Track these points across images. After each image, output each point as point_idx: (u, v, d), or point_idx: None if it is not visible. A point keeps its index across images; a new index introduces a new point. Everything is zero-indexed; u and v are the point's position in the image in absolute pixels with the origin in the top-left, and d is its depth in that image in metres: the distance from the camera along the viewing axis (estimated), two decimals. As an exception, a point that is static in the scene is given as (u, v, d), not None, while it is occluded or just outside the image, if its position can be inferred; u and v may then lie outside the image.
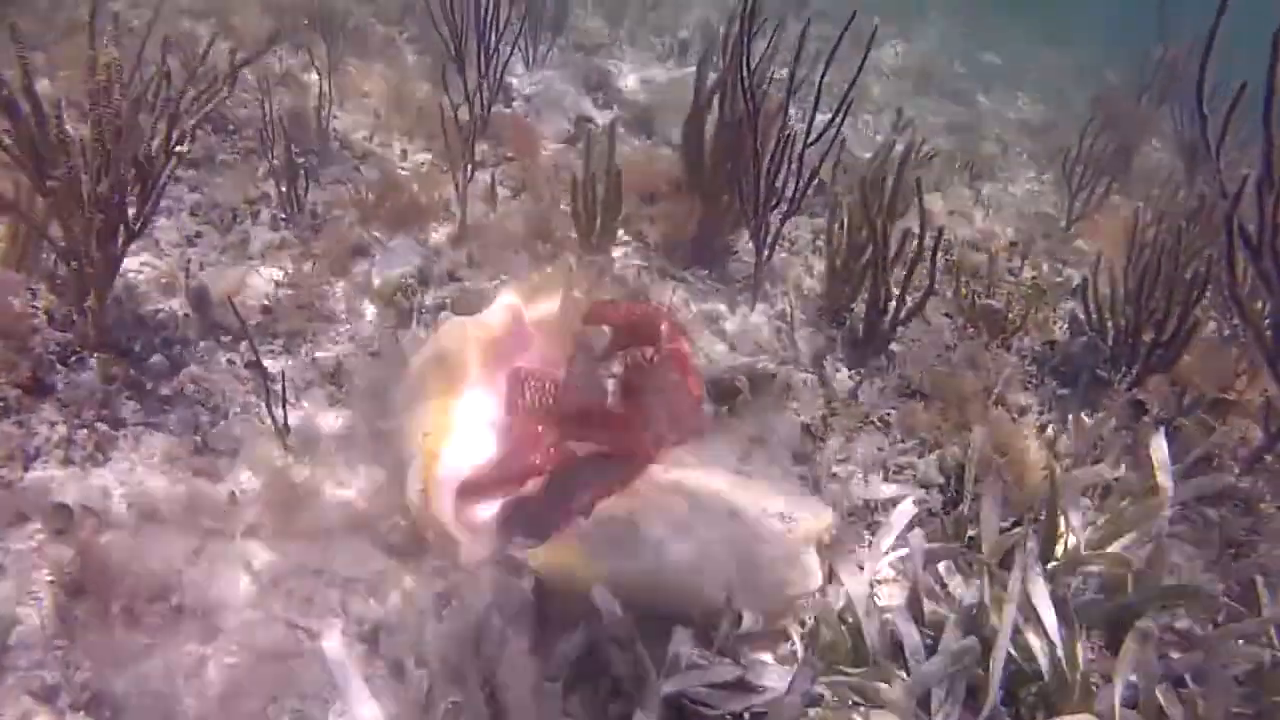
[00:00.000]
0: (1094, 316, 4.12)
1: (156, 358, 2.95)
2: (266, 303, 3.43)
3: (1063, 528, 2.71)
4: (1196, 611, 2.59)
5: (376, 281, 3.65)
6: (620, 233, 4.31)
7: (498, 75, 5.10)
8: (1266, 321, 3.02)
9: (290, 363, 3.20)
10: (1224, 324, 4.43)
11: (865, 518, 2.93)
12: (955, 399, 3.46)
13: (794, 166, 3.83)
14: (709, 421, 2.91)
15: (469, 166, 4.22)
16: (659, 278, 4.11)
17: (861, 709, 2.15)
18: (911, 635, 2.31)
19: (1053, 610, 2.28)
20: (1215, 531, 3.00)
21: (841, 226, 4.02)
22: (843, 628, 2.36)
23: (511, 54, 5.43)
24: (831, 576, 2.48)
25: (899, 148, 4.58)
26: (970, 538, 2.77)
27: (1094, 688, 2.21)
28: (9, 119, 2.63)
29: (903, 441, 3.30)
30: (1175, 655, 2.44)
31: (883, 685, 2.17)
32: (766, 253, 4.04)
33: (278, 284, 3.56)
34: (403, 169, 4.77)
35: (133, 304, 3.18)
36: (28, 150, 2.66)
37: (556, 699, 2.03)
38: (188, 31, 5.20)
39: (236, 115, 4.53)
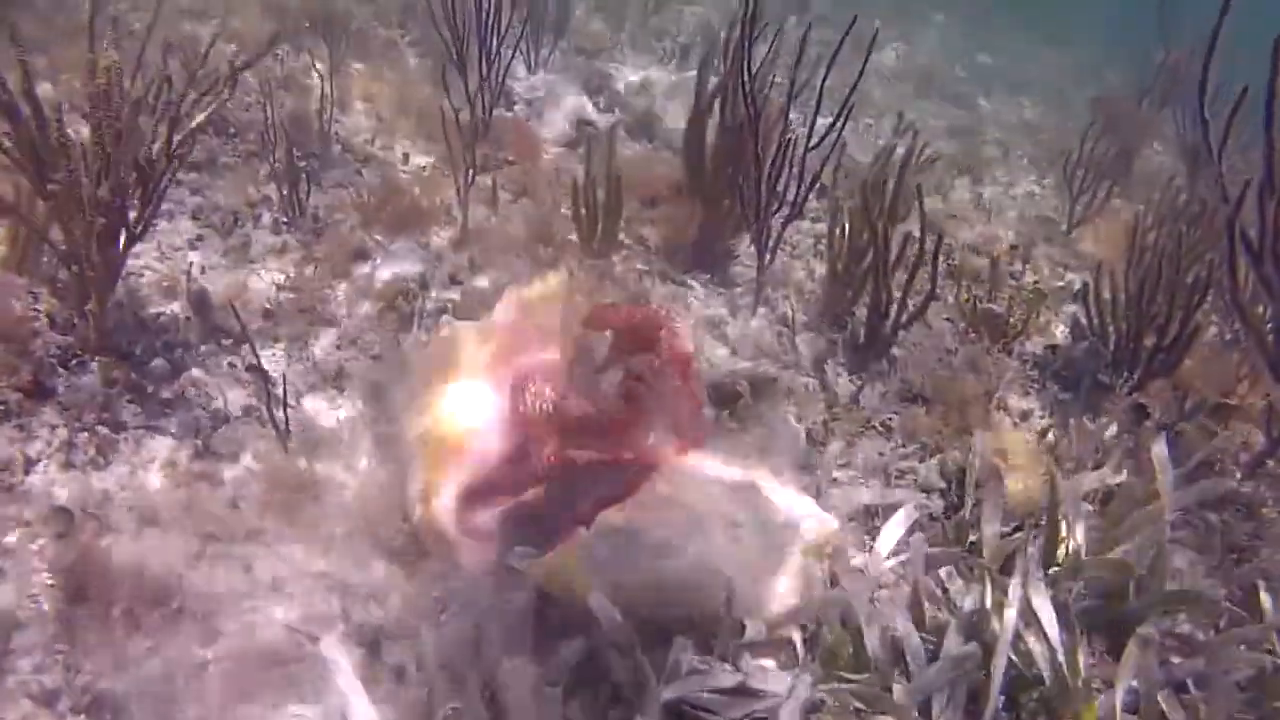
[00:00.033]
0: (1095, 321, 4.12)
1: (157, 361, 2.95)
2: (268, 306, 3.43)
3: (1064, 533, 2.71)
4: (1198, 617, 2.60)
5: (378, 285, 3.65)
6: (621, 236, 4.31)
7: (499, 78, 5.10)
8: (1268, 326, 3.01)
9: (291, 366, 3.20)
10: (1225, 329, 4.43)
11: (866, 523, 2.93)
12: (957, 403, 3.46)
13: (795, 170, 3.83)
14: (710, 427, 2.90)
15: (470, 170, 4.23)
16: (660, 281, 4.11)
17: (863, 714, 2.15)
18: (912, 640, 2.30)
19: (1054, 615, 2.28)
20: (1217, 537, 3.00)
21: (843, 231, 4.02)
22: (844, 633, 2.36)
23: (513, 57, 5.43)
24: (833, 582, 2.47)
25: (900, 151, 4.58)
26: (972, 542, 2.77)
27: (1095, 693, 2.20)
28: (10, 122, 2.63)
29: (904, 446, 3.30)
30: (1177, 661, 2.43)
31: (883, 691, 2.17)
32: (768, 257, 4.04)
33: (279, 287, 3.56)
34: (404, 172, 4.78)
35: (134, 307, 3.18)
36: (28, 153, 2.66)
37: (556, 704, 2.03)
38: (189, 34, 5.20)
39: (238, 118, 4.53)
